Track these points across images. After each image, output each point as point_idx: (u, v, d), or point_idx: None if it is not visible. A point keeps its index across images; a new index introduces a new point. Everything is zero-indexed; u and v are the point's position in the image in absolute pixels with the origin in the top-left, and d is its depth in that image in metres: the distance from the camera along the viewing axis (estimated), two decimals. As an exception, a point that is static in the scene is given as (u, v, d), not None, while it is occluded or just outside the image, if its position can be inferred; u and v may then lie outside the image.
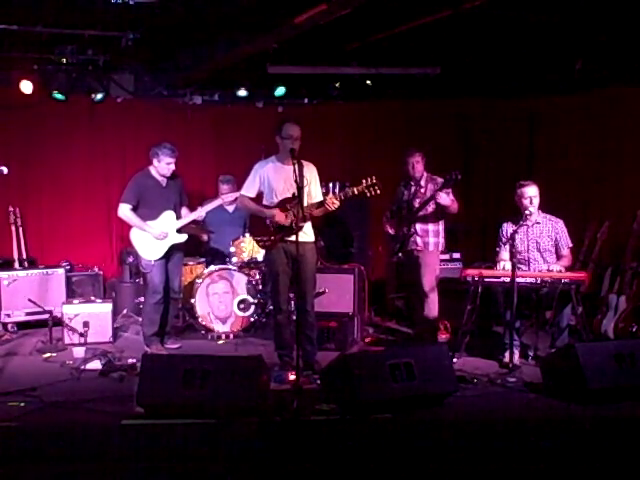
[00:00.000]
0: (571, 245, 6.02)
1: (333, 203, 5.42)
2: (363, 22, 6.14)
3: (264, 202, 5.70)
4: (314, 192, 5.64)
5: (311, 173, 5.57)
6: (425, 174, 6.38)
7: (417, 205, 6.29)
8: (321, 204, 5.50)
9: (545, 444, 4.22)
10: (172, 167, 6.21)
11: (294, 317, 5.95)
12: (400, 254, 6.51)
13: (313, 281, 5.68)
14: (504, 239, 5.99)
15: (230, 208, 7.43)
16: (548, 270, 5.79)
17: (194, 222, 6.52)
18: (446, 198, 6.10)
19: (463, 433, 4.43)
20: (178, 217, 6.32)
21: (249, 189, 5.72)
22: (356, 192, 5.42)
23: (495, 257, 6.09)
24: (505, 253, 5.95)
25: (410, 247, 6.36)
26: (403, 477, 3.87)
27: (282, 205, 5.53)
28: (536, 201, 5.88)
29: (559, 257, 5.95)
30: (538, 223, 5.97)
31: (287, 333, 5.74)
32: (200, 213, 6.51)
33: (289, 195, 5.40)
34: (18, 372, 5.68)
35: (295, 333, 5.72)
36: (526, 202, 5.87)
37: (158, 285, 6.21)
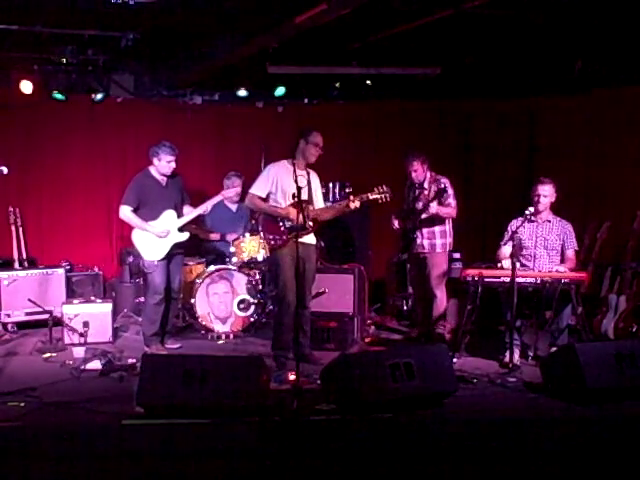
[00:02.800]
0: (577, 248, 6.04)
1: (357, 206, 5.64)
2: (363, 22, 6.14)
3: (271, 203, 5.76)
4: (319, 198, 5.75)
5: (315, 181, 5.72)
6: (429, 175, 6.39)
7: (420, 208, 6.30)
8: (346, 205, 5.67)
9: (545, 445, 4.23)
10: (173, 165, 6.21)
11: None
12: (404, 255, 6.55)
13: (314, 280, 5.85)
14: (510, 234, 5.98)
15: (233, 207, 7.43)
16: (552, 271, 5.80)
17: (194, 222, 6.52)
18: (435, 209, 6.18)
19: (463, 433, 4.43)
20: (179, 216, 6.31)
21: (261, 189, 5.75)
22: (370, 198, 5.66)
23: (497, 250, 6.07)
24: (507, 248, 5.95)
25: (416, 250, 6.37)
26: (403, 477, 3.87)
27: (293, 208, 5.60)
28: (546, 200, 5.92)
29: (564, 259, 5.96)
30: (549, 221, 6.00)
31: (288, 335, 5.74)
32: (206, 208, 6.48)
33: (302, 198, 5.48)
34: (18, 372, 5.68)
35: (292, 332, 5.78)
36: (534, 199, 5.90)
37: (159, 286, 6.21)
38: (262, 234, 7.01)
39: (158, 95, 8.38)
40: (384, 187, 5.65)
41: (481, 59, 7.48)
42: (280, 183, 5.67)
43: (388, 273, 7.99)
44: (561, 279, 5.65)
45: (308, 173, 5.47)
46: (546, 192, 5.91)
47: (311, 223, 5.37)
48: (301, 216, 5.48)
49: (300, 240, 5.40)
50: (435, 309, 6.33)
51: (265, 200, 5.77)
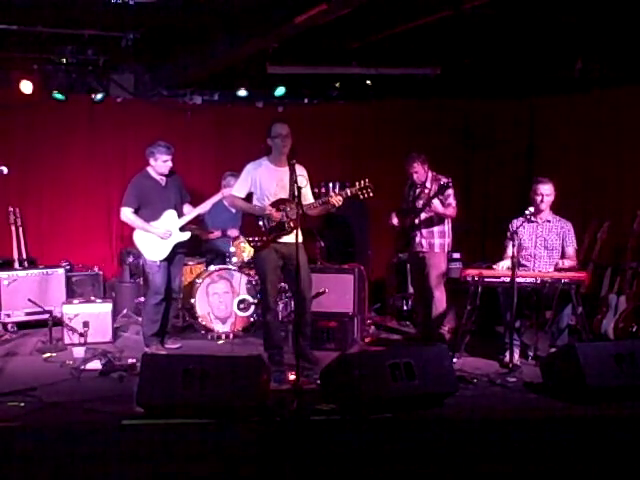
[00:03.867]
0: (576, 247, 6.04)
1: (339, 201, 5.47)
2: (363, 22, 6.14)
3: (254, 203, 5.72)
4: (306, 194, 5.68)
5: (303, 175, 5.61)
6: (430, 174, 6.38)
7: (420, 206, 6.30)
8: (326, 202, 5.53)
9: (545, 445, 4.23)
10: (169, 164, 6.21)
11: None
12: (403, 255, 6.53)
13: (310, 279, 5.74)
14: (510, 233, 5.99)
15: (232, 208, 7.42)
16: (557, 266, 5.80)
17: (195, 223, 6.52)
18: (438, 206, 6.16)
19: (463, 433, 4.43)
20: (180, 215, 6.32)
21: (240, 189, 5.74)
22: (350, 194, 5.50)
23: (503, 254, 6.08)
24: (511, 249, 5.95)
25: (415, 249, 6.37)
26: (403, 477, 3.87)
27: (274, 206, 5.57)
28: (548, 199, 5.91)
29: (564, 257, 5.95)
30: (548, 221, 6.00)
31: (277, 333, 5.77)
32: (203, 209, 6.49)
33: (281, 196, 5.47)
34: (18, 372, 5.68)
35: (285, 333, 5.76)
36: (538, 198, 5.90)
37: (160, 286, 6.21)
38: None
39: (158, 95, 8.39)
40: (366, 181, 5.45)
41: (481, 59, 7.49)
42: (259, 182, 5.64)
43: (388, 273, 7.99)
44: (561, 279, 5.64)
45: (292, 168, 5.26)
46: (547, 191, 5.91)
47: (292, 224, 5.27)
48: (282, 215, 5.48)
49: (283, 240, 5.47)
50: (434, 309, 6.33)
51: (248, 200, 5.75)
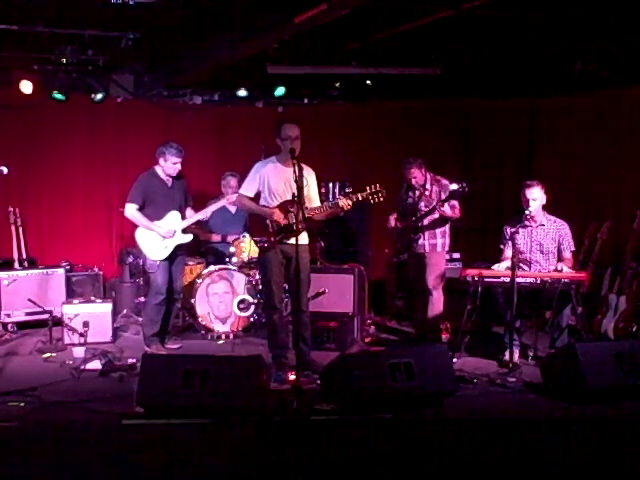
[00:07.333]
0: (574, 249, 6.03)
1: (348, 205, 5.44)
2: (363, 22, 6.14)
3: (261, 202, 5.70)
4: (313, 196, 5.67)
5: (310, 176, 5.60)
6: (429, 176, 6.38)
7: (423, 209, 6.29)
8: (335, 205, 5.51)
9: (545, 445, 4.23)
10: (178, 167, 6.21)
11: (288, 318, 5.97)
12: (402, 256, 6.53)
13: (308, 282, 5.71)
14: (507, 238, 6.00)
15: (233, 209, 7.44)
16: (555, 270, 5.80)
17: (197, 223, 6.54)
18: (447, 210, 6.14)
19: (463, 433, 4.44)
20: (183, 217, 6.32)
21: (248, 189, 5.71)
22: (360, 198, 5.46)
23: (500, 256, 6.08)
24: (509, 251, 5.96)
25: (417, 250, 6.36)
26: (403, 477, 3.87)
27: (282, 207, 5.54)
28: (537, 203, 5.87)
29: (561, 260, 5.95)
30: (543, 225, 5.97)
31: (283, 333, 5.75)
32: (205, 214, 6.51)
33: (289, 196, 5.41)
34: (18, 372, 5.68)
35: (290, 333, 5.75)
36: (526, 203, 5.87)
37: (161, 286, 6.20)
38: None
39: (158, 95, 8.39)
40: (377, 186, 5.43)
41: (481, 59, 7.49)
42: (267, 182, 5.61)
43: (388, 273, 8.00)
44: (561, 279, 5.65)
45: (301, 170, 5.27)
46: (535, 195, 5.86)
47: (300, 225, 5.27)
48: (290, 217, 5.45)
49: (290, 241, 5.42)
50: (430, 309, 6.31)
51: (256, 199, 5.74)
